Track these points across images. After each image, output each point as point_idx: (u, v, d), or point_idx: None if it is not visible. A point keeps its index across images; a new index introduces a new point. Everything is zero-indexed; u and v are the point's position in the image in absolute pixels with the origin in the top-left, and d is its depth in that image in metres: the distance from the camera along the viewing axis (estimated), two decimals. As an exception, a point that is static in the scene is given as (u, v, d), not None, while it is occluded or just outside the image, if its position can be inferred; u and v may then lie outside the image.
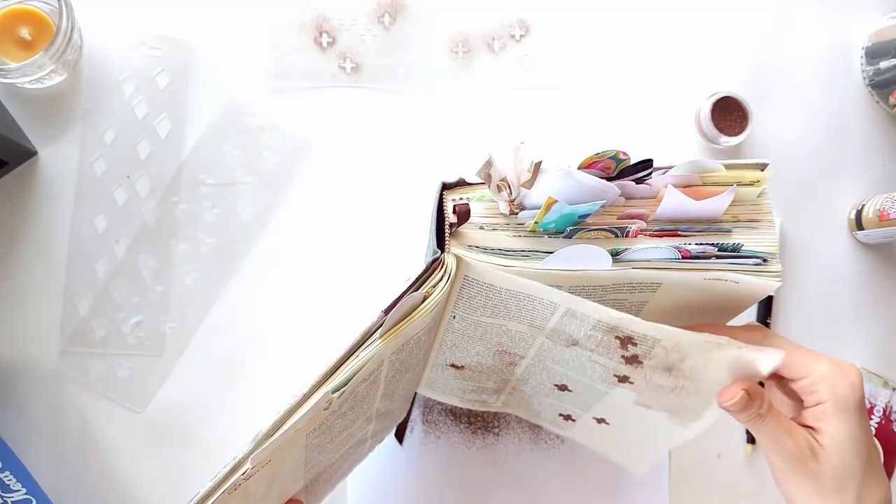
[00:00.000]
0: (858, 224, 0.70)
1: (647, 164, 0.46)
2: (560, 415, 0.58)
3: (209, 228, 0.68)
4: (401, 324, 0.43)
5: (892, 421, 0.70)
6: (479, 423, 0.67)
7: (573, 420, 0.58)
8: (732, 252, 0.45)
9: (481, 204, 0.45)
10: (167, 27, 0.69)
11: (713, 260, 0.44)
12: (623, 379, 0.49)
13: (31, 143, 0.67)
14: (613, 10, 0.72)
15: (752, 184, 0.46)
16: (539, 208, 0.43)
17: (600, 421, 0.57)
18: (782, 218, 0.71)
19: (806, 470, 0.42)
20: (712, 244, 0.44)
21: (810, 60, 0.73)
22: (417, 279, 0.43)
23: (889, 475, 0.70)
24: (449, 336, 0.51)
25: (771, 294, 0.69)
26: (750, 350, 0.43)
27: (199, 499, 0.41)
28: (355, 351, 0.42)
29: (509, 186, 0.44)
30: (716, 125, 0.69)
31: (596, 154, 0.44)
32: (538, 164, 0.43)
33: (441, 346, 0.52)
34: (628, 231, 0.44)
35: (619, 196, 0.45)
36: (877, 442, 0.69)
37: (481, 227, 0.45)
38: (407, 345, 0.46)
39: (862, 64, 0.73)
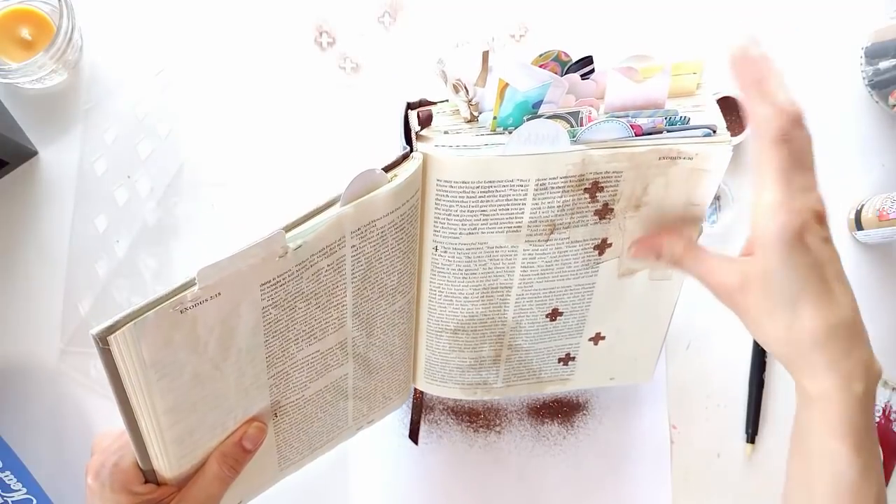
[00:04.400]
0: (858, 224, 0.70)
1: (588, 60, 0.49)
2: (559, 360, 0.59)
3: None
4: (362, 199, 0.44)
5: (892, 421, 0.70)
6: (480, 421, 0.67)
7: (573, 359, 0.59)
8: (681, 126, 0.47)
9: (444, 115, 0.48)
10: (167, 27, 0.69)
11: (664, 135, 0.47)
12: (602, 246, 0.51)
13: (31, 143, 0.67)
14: (612, 10, 0.72)
15: (692, 74, 0.49)
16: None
17: (597, 340, 0.57)
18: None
19: (734, 302, 0.44)
20: (662, 118, 0.47)
21: (810, 60, 0.73)
22: (385, 168, 0.45)
23: (889, 475, 0.70)
24: (436, 280, 0.52)
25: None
26: (702, 159, 0.47)
27: (141, 307, 0.37)
28: (314, 216, 0.43)
29: (465, 86, 0.47)
30: (716, 125, 0.69)
31: (539, 56, 0.47)
32: (486, 53, 0.46)
33: (430, 293, 0.53)
34: (581, 118, 0.47)
35: (568, 94, 0.48)
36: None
37: (445, 132, 0.48)
38: (371, 232, 0.46)
39: (861, 64, 0.73)
